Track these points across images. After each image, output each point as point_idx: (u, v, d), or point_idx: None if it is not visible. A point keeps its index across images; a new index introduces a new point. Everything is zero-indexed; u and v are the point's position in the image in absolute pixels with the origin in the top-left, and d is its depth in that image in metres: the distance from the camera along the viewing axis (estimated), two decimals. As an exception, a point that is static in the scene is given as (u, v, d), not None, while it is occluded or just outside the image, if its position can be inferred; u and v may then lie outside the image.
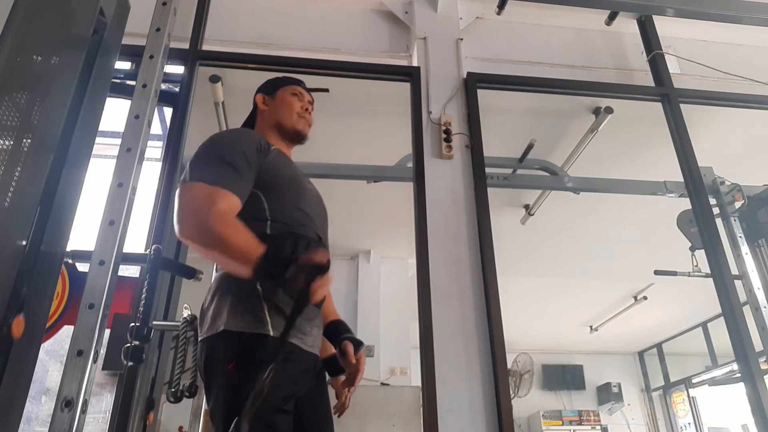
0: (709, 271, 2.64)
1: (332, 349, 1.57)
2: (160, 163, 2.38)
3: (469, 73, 2.81)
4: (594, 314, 7.25)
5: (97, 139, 1.41)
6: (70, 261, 1.85)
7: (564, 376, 8.16)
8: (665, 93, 2.97)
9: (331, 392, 1.62)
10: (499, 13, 3.06)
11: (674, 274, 3.04)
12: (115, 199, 1.32)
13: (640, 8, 3.16)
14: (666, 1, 3.16)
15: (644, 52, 3.16)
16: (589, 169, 3.59)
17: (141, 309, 1.75)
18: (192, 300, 2.00)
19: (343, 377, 1.58)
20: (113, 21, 1.46)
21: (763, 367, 2.43)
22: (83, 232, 1.45)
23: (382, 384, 4.53)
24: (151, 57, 1.53)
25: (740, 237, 2.87)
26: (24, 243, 1.09)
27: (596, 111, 3.36)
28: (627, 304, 6.78)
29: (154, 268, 1.71)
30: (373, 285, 5.23)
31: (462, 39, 2.95)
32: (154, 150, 3.01)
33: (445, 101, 2.73)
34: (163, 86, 2.39)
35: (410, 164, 2.64)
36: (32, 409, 2.13)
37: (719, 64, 3.07)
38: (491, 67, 2.92)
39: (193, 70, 2.59)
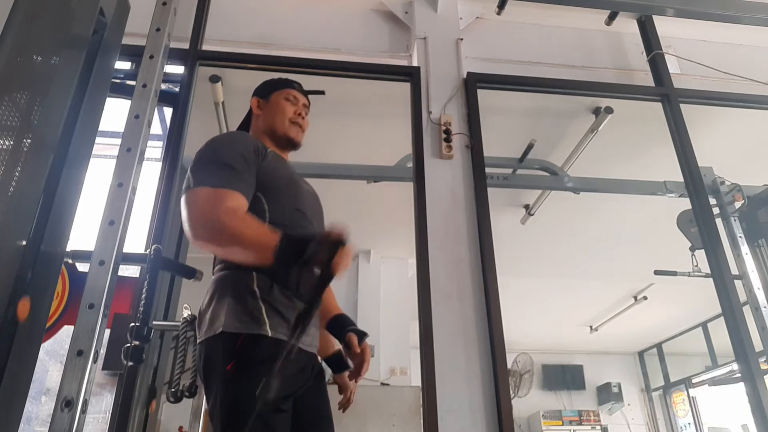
0: (709, 271, 2.64)
1: (335, 347, 1.58)
2: (160, 163, 2.38)
3: (469, 73, 2.81)
4: (594, 314, 7.26)
5: (97, 139, 1.41)
6: (70, 261, 1.85)
7: (564, 376, 8.16)
8: (665, 93, 2.97)
9: (334, 390, 1.62)
10: (499, 13, 3.06)
11: (674, 274, 3.04)
12: (115, 199, 1.32)
13: (640, 8, 3.16)
14: (666, 1, 3.16)
15: (644, 52, 3.16)
16: (589, 169, 3.59)
17: (141, 309, 1.75)
18: (192, 300, 1.99)
19: (346, 374, 1.58)
20: (113, 21, 1.46)
21: (763, 367, 2.43)
22: (83, 232, 1.45)
23: (382, 384, 4.53)
24: (151, 57, 1.53)
25: (740, 237, 2.87)
26: (24, 243, 1.09)
27: (596, 111, 3.36)
28: (627, 304, 6.78)
29: (154, 268, 1.71)
30: (373, 285, 5.23)
31: (462, 39, 2.95)
32: (154, 150, 3.01)
33: (445, 101, 2.73)
34: (163, 86, 2.38)
35: (410, 164, 2.64)
36: (32, 409, 2.12)
37: (719, 64, 3.07)
38: (491, 67, 2.92)
39: (193, 70, 2.59)
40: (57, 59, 1.22)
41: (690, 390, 7.40)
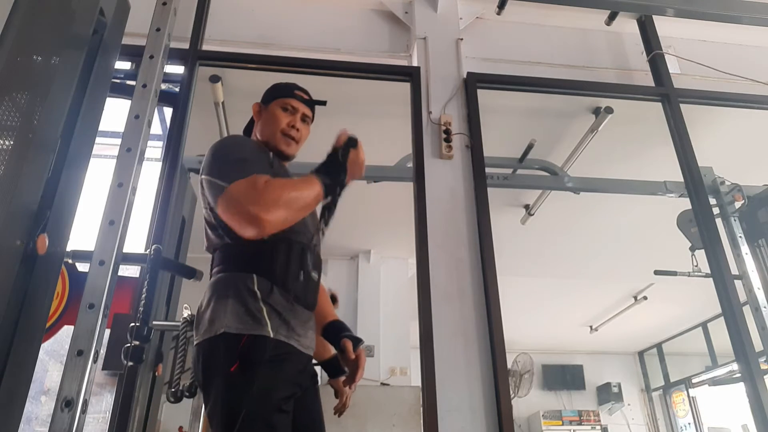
0: (709, 271, 2.64)
1: (331, 352, 1.57)
2: (160, 163, 2.38)
3: (469, 73, 2.81)
4: (594, 314, 7.25)
5: (97, 139, 1.41)
6: (70, 261, 1.85)
7: (564, 376, 8.16)
8: (665, 93, 2.97)
9: (329, 393, 1.62)
10: (499, 13, 3.06)
11: (674, 274, 3.04)
12: (115, 199, 1.32)
13: (640, 8, 3.16)
14: (666, 1, 3.16)
15: (644, 52, 3.16)
16: (589, 169, 3.58)
17: (141, 309, 1.75)
18: (192, 300, 1.99)
19: (343, 378, 1.58)
20: (113, 21, 1.46)
21: (763, 367, 2.43)
22: (83, 232, 1.45)
23: (382, 384, 4.53)
24: (151, 57, 1.53)
25: (740, 237, 2.87)
26: (24, 243, 1.09)
27: (596, 111, 3.36)
28: (627, 304, 6.78)
29: (154, 268, 1.71)
30: (373, 285, 5.23)
31: (462, 39, 2.95)
32: (154, 150, 3.01)
33: (445, 101, 2.73)
34: (163, 86, 2.39)
35: (410, 164, 2.64)
36: (32, 409, 2.12)
37: (719, 64, 3.07)
38: (491, 67, 2.92)
39: (193, 70, 2.59)
40: (57, 59, 1.22)
41: (690, 390, 7.40)
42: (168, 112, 2.62)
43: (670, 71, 3.06)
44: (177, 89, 2.55)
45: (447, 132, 2.62)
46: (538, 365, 7.82)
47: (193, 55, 2.63)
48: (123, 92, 2.22)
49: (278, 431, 1.22)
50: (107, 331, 1.77)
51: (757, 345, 2.48)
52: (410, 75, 2.80)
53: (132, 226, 1.38)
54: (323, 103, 1.70)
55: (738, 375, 2.48)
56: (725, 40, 3.33)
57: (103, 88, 1.43)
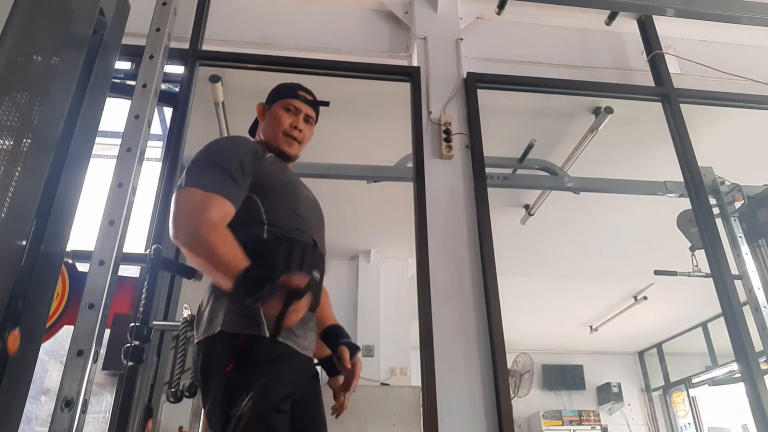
0: (709, 271, 2.64)
1: (329, 350, 1.57)
2: (160, 163, 2.38)
3: (469, 73, 2.81)
4: (594, 314, 7.25)
5: (97, 139, 1.41)
6: (70, 261, 1.85)
7: (564, 376, 8.16)
8: (665, 93, 2.97)
9: (331, 393, 1.62)
10: (499, 13, 3.06)
11: (674, 274, 3.04)
12: (115, 199, 1.32)
13: (640, 8, 3.16)
14: (666, 1, 3.16)
15: (644, 52, 3.16)
16: (589, 169, 3.59)
17: (141, 309, 1.75)
18: (192, 300, 1.99)
19: (341, 378, 1.58)
20: (113, 21, 1.46)
21: (763, 367, 2.43)
22: (83, 232, 1.45)
23: (382, 384, 4.53)
24: (151, 57, 1.53)
25: (740, 237, 2.87)
26: (24, 243, 1.09)
27: (596, 111, 3.36)
28: (627, 304, 6.78)
29: (154, 268, 1.71)
30: (373, 285, 5.23)
31: (462, 39, 2.95)
32: (154, 150, 3.01)
33: (445, 101, 2.73)
34: (163, 86, 2.39)
35: (410, 164, 2.64)
36: (32, 409, 2.12)
37: (719, 64, 3.07)
38: (491, 67, 2.92)
39: (193, 70, 2.59)
40: (57, 59, 1.21)
41: (690, 390, 7.40)
42: (168, 112, 2.62)
43: (670, 71, 3.06)
44: (177, 89, 2.55)
45: (447, 132, 2.62)
46: (538, 365, 7.81)
47: (193, 55, 2.63)
48: (123, 92, 2.22)
49: (277, 431, 1.22)
50: (107, 331, 1.77)
51: (757, 345, 2.48)
52: (410, 75, 2.80)
53: (132, 226, 1.38)
54: (326, 103, 1.70)
55: (738, 375, 2.48)
56: (725, 40, 3.33)
57: (103, 88, 1.43)
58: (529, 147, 3.36)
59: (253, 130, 1.73)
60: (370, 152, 3.39)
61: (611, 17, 3.17)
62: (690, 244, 2.95)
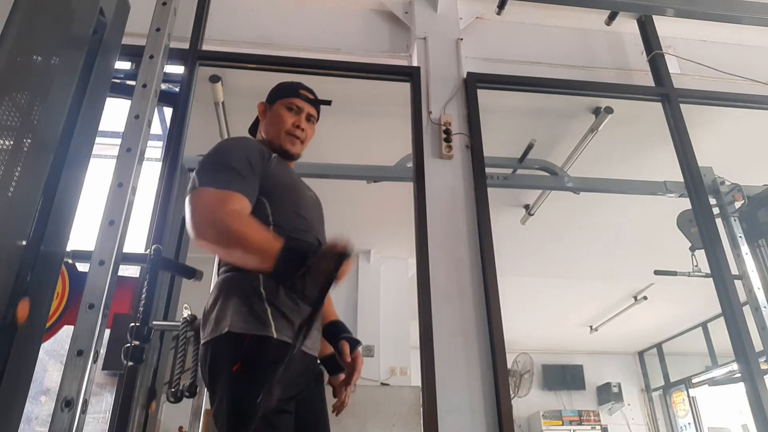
0: (709, 271, 2.64)
1: (331, 349, 1.58)
2: (160, 163, 2.38)
3: (469, 73, 2.81)
4: (594, 314, 7.26)
5: (97, 139, 1.41)
6: (70, 261, 1.85)
7: (564, 376, 8.16)
8: (665, 93, 2.97)
9: (330, 391, 1.62)
10: (499, 13, 3.06)
11: (674, 274, 3.04)
12: (115, 199, 1.32)
13: (640, 8, 3.16)
14: (666, 1, 3.16)
15: (644, 52, 3.16)
16: (589, 169, 3.59)
17: (141, 309, 1.75)
18: (192, 300, 2.00)
19: (342, 376, 1.58)
20: (113, 21, 1.46)
21: (763, 367, 2.43)
22: (83, 232, 1.45)
23: (382, 384, 4.52)
24: (151, 57, 1.53)
25: (740, 237, 2.87)
26: (24, 243, 1.09)
27: (596, 111, 3.36)
28: (627, 304, 6.78)
29: (154, 268, 1.71)
30: (373, 285, 5.23)
31: (462, 39, 2.95)
32: (154, 150, 3.01)
33: (445, 101, 2.73)
34: (163, 86, 2.39)
35: (410, 164, 2.64)
36: (32, 409, 2.12)
37: (719, 64, 3.07)
38: (491, 67, 2.92)
39: (193, 70, 2.59)
40: (57, 59, 1.21)
41: (690, 390, 7.40)
42: (168, 112, 2.62)
43: (670, 71, 3.06)
44: (177, 89, 2.54)
45: (447, 132, 2.62)
46: (538, 365, 7.82)
47: (193, 55, 2.63)
48: (123, 92, 2.22)
49: (280, 431, 1.22)
50: (107, 331, 1.77)
51: (757, 345, 2.48)
52: (410, 75, 2.80)
53: (132, 226, 1.38)
54: (328, 102, 1.70)
55: (738, 375, 2.48)
56: (725, 40, 3.33)
57: (103, 88, 1.43)
58: (529, 147, 3.36)
59: (253, 130, 1.73)
60: (370, 152, 3.39)
61: (611, 17, 3.17)
62: (690, 244, 2.95)
